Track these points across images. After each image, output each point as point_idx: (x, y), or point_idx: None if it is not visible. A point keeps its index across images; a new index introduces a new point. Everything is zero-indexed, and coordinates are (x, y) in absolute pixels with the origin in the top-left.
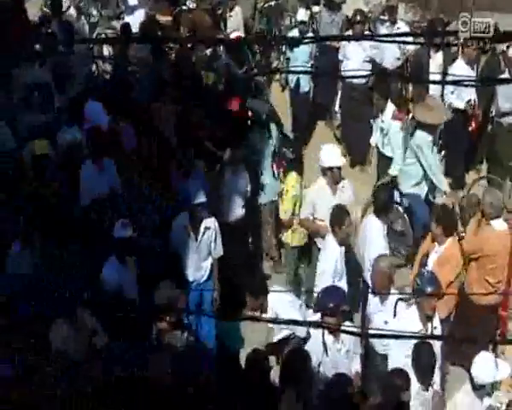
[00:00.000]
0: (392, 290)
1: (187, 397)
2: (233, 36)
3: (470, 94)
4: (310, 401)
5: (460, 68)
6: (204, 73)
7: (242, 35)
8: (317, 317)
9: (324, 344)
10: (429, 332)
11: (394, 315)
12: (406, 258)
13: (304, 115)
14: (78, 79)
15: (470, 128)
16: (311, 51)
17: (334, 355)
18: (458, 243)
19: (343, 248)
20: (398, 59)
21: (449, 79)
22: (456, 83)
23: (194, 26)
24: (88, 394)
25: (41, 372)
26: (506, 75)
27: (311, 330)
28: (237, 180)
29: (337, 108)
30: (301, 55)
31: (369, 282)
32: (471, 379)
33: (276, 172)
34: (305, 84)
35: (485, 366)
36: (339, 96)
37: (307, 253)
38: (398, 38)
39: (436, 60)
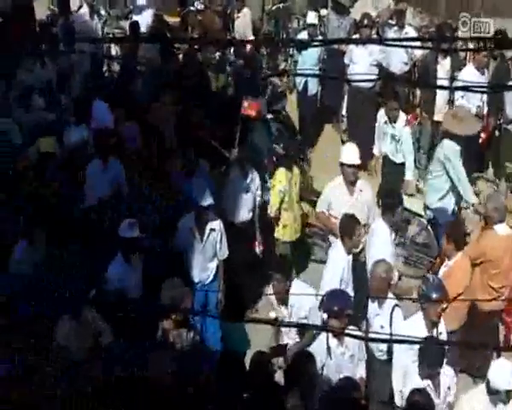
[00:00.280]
0: (390, 295)
1: (187, 397)
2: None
3: (480, 100)
4: (314, 403)
5: (470, 74)
6: (213, 75)
7: (251, 37)
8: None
9: (328, 347)
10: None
11: (390, 322)
12: (430, 269)
13: (311, 117)
14: (79, 78)
15: (480, 139)
16: (320, 54)
17: (338, 359)
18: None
19: (351, 256)
20: (406, 64)
21: (458, 84)
22: (464, 88)
23: (204, 29)
24: (88, 394)
25: (41, 372)
26: None
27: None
28: (244, 181)
29: (344, 111)
30: (310, 59)
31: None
32: (487, 382)
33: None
34: (313, 86)
35: (502, 372)
36: (345, 99)
37: (300, 248)
38: (405, 43)
39: (444, 65)
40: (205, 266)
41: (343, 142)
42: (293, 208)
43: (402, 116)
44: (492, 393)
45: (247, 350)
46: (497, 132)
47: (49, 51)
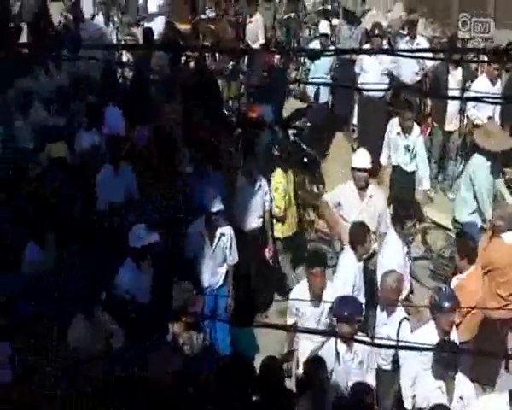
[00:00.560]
0: (400, 306)
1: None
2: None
3: (491, 111)
4: (325, 408)
5: (482, 85)
6: (225, 84)
7: (262, 41)
8: None
9: (337, 353)
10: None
11: (397, 333)
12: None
13: (322, 126)
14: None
15: None
16: (332, 64)
17: (347, 365)
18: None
19: (361, 263)
20: (417, 74)
21: (470, 94)
22: (475, 99)
23: (216, 38)
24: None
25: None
26: None
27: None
28: (253, 188)
29: (355, 120)
30: (322, 68)
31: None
32: (510, 392)
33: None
34: (325, 95)
35: None
36: (356, 108)
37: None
38: (417, 54)
39: (455, 75)
40: (214, 270)
41: (354, 150)
42: (290, 206)
43: (416, 127)
44: None
45: (255, 355)
46: None
47: (57, 58)
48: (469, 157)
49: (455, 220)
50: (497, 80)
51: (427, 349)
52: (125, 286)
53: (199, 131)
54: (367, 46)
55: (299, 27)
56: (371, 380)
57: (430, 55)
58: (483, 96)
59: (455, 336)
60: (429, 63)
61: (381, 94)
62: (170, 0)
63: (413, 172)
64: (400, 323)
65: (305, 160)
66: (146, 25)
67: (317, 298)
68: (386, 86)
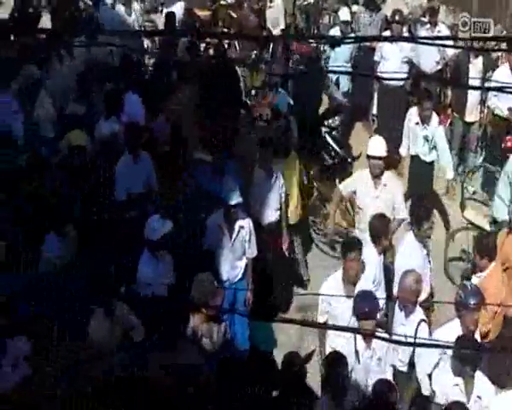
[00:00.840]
0: (418, 308)
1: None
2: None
3: None
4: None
5: (503, 75)
6: (248, 74)
7: (283, 26)
8: None
9: (356, 351)
10: None
11: (415, 335)
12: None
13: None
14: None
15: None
16: (352, 51)
17: (366, 362)
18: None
19: (382, 256)
20: (438, 63)
21: (492, 85)
22: (497, 89)
23: (239, 27)
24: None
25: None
26: None
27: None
28: (269, 181)
29: (375, 110)
30: (342, 55)
31: (396, 294)
32: None
33: None
34: (345, 84)
35: None
36: (375, 97)
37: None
38: (437, 42)
39: (476, 64)
40: (234, 264)
41: None
42: (293, 194)
43: (434, 117)
44: None
45: (273, 349)
46: None
47: (73, 44)
48: (489, 149)
49: (494, 220)
50: None
51: (447, 347)
52: (144, 279)
53: (216, 121)
54: (387, 33)
55: (319, 14)
56: (389, 376)
57: (451, 42)
58: (504, 85)
59: (478, 337)
60: (450, 52)
61: (401, 83)
62: None
63: (432, 163)
64: (418, 324)
65: (335, 161)
66: (165, 11)
67: (352, 285)
68: (405, 75)
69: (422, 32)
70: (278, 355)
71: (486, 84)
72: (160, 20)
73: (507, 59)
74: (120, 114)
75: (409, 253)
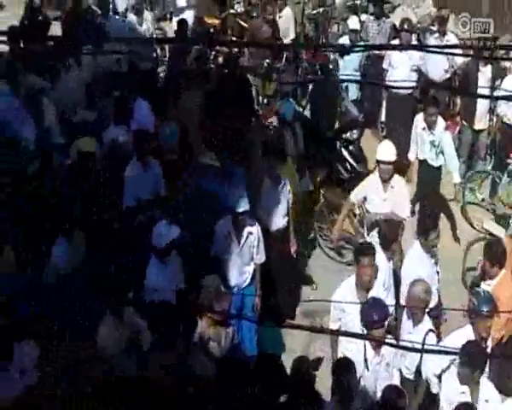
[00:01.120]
0: (427, 318)
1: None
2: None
3: None
4: None
5: None
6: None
7: (293, 36)
8: None
9: (366, 359)
10: None
11: (422, 346)
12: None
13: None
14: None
15: None
16: (361, 60)
17: (375, 369)
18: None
19: (391, 262)
20: (447, 71)
21: (500, 93)
22: (506, 98)
23: (251, 37)
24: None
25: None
26: None
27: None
28: (277, 189)
29: (383, 118)
30: (351, 64)
31: (403, 303)
32: None
33: None
34: (354, 92)
35: None
36: (384, 105)
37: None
38: (446, 50)
39: (485, 73)
40: (242, 269)
41: None
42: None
43: (440, 121)
44: None
45: (281, 354)
46: None
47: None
48: (498, 156)
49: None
50: None
51: (453, 353)
52: (152, 285)
53: (224, 128)
54: (396, 42)
55: (328, 23)
56: (397, 381)
57: (460, 51)
58: None
59: (489, 343)
60: (459, 60)
61: (410, 91)
62: None
63: (439, 168)
64: (426, 334)
65: (352, 175)
66: (174, 19)
67: (365, 291)
68: (414, 83)
69: (431, 40)
70: (286, 361)
71: (495, 93)
72: (169, 28)
73: None
74: (130, 121)
75: (416, 262)
